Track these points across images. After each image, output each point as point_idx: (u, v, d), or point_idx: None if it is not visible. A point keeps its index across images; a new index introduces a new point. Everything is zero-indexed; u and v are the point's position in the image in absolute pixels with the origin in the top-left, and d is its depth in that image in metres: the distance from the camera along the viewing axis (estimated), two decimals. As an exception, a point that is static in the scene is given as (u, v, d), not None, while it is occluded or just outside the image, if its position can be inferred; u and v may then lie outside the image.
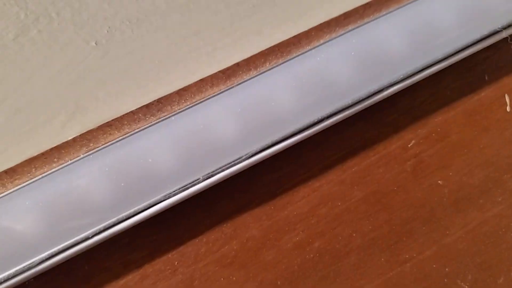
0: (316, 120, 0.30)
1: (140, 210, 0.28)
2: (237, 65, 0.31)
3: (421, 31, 0.32)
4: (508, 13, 0.32)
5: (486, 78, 0.35)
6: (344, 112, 0.30)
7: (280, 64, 0.30)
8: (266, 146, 0.29)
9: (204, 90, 0.31)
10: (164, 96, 0.30)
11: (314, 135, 0.30)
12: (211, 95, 0.30)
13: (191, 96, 0.31)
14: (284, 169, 0.32)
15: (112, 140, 0.29)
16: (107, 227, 0.27)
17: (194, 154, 0.28)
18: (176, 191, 0.28)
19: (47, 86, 0.29)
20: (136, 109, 0.30)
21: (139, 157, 0.28)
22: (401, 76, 0.31)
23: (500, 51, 0.35)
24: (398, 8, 0.32)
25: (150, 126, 0.29)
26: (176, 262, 0.30)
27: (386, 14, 0.32)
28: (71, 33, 0.29)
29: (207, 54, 0.31)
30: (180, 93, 0.31)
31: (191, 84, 0.31)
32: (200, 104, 0.29)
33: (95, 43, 0.29)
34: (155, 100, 0.30)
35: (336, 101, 0.30)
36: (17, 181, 0.29)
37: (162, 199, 0.28)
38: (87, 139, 0.29)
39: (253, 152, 0.29)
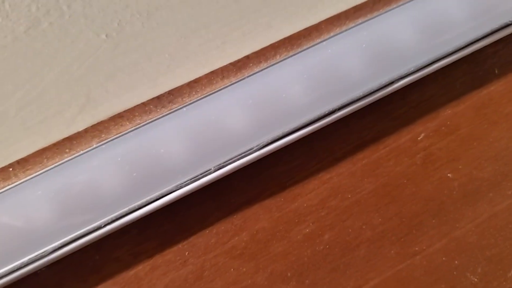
0: (326, 112, 0.30)
1: (151, 201, 0.28)
2: (247, 57, 0.31)
3: (431, 24, 0.32)
4: (518, 7, 0.32)
5: (496, 72, 0.35)
6: (355, 104, 0.30)
7: (291, 57, 0.31)
8: (276, 138, 0.29)
9: (214, 82, 0.31)
10: (175, 88, 0.30)
11: (324, 127, 0.30)
12: (222, 87, 0.30)
13: (202, 88, 0.31)
14: (295, 161, 0.32)
15: (124, 131, 0.29)
16: (118, 217, 0.27)
17: (205, 145, 0.28)
18: (187, 182, 0.28)
19: (58, 78, 0.29)
20: (147, 101, 0.30)
21: (150, 148, 0.28)
22: (411, 69, 0.31)
23: (510, 45, 0.35)
24: (408, 2, 0.32)
25: (161, 117, 0.29)
26: (186, 253, 0.30)
27: (396, 7, 0.32)
28: (82, 26, 0.29)
29: (217, 47, 0.31)
30: (191, 85, 0.31)
31: (202, 76, 0.31)
32: (211, 96, 0.30)
33: (106, 36, 0.29)
34: (166, 92, 0.30)
35: (346, 94, 0.30)
36: (29, 171, 0.29)
37: (173, 190, 0.28)
38: (99, 130, 0.30)
39: (264, 143, 0.29)
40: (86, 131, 0.29)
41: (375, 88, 0.30)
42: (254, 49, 0.32)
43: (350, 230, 0.32)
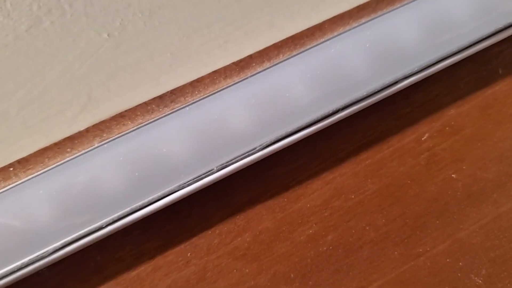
0: (330, 112, 0.29)
1: (153, 201, 0.27)
2: (250, 57, 0.31)
3: (435, 24, 0.32)
4: (523, 7, 0.32)
5: (500, 72, 0.35)
6: (358, 104, 0.30)
7: (294, 56, 0.30)
8: (279, 138, 0.29)
9: (217, 81, 0.31)
10: (178, 87, 0.30)
11: (327, 127, 0.30)
12: (225, 87, 0.30)
13: (205, 87, 0.31)
14: (298, 161, 0.32)
15: (126, 131, 0.29)
16: (120, 217, 0.27)
17: (207, 145, 0.28)
18: (189, 182, 0.28)
19: (59, 77, 0.29)
20: (149, 100, 0.30)
21: (152, 148, 0.28)
22: (415, 69, 0.31)
23: (515, 44, 0.35)
24: (411, 1, 0.32)
25: (163, 116, 0.29)
26: (188, 254, 0.30)
27: (400, 7, 0.32)
28: (84, 25, 0.29)
29: (219, 46, 0.31)
30: (194, 84, 0.30)
31: (204, 75, 0.31)
32: (213, 95, 0.29)
33: (108, 35, 0.29)
34: (168, 91, 0.30)
35: (350, 93, 0.30)
36: (30, 170, 0.29)
37: (175, 190, 0.28)
38: (100, 130, 0.29)
39: (267, 143, 0.29)
40: (87, 130, 0.29)
41: (378, 88, 0.30)
42: (257, 49, 0.31)
43: (353, 231, 0.31)
